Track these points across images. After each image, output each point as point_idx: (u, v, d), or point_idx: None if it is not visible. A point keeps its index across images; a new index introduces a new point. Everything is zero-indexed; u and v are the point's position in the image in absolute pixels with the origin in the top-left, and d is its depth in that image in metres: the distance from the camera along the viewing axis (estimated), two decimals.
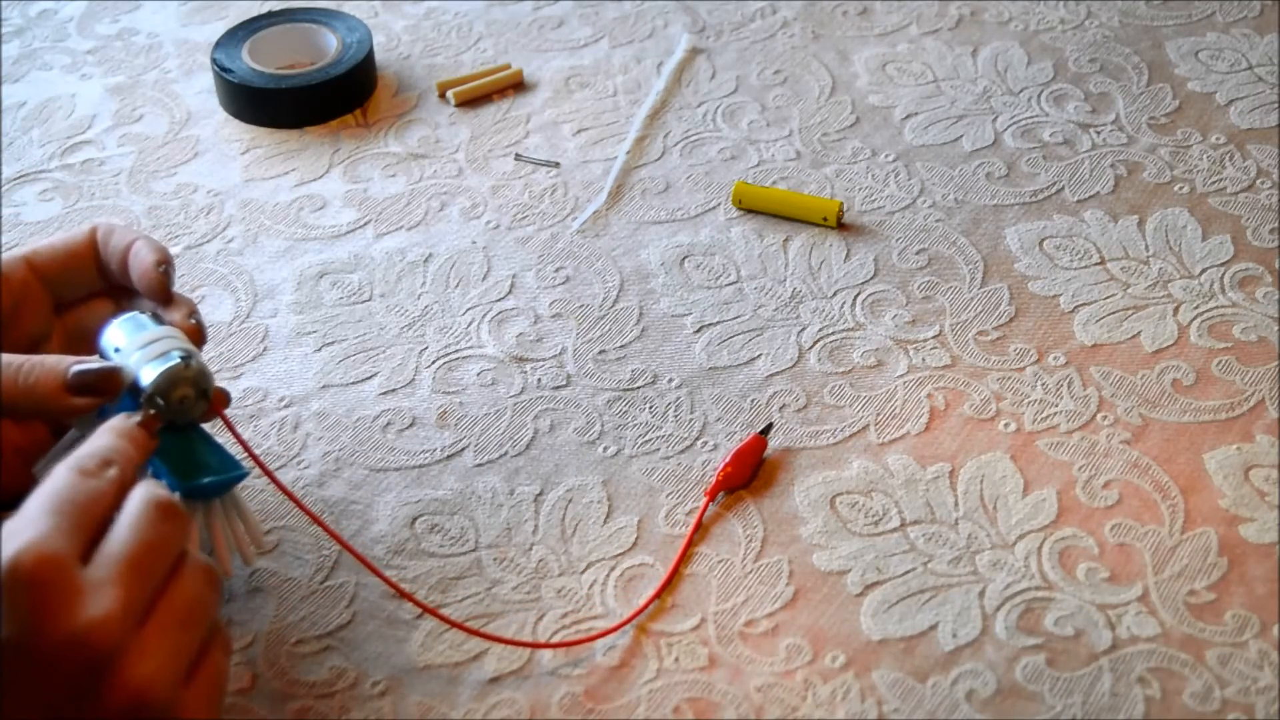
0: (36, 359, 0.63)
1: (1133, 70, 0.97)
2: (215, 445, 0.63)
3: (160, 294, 0.67)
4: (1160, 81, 0.96)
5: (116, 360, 0.63)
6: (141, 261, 0.67)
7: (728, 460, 0.72)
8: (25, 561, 0.51)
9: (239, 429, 0.65)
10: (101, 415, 0.64)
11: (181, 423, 0.62)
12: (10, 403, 0.62)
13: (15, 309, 0.67)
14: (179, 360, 0.62)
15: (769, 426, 0.74)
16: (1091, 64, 0.98)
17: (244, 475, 0.63)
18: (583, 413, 0.76)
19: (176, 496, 0.60)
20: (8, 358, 0.62)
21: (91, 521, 0.54)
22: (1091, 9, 1.03)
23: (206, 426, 0.64)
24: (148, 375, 0.61)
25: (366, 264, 0.85)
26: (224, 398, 0.64)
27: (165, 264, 0.67)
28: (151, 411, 0.61)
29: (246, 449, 0.64)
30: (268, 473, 0.65)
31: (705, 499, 0.71)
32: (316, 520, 0.65)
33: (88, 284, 0.70)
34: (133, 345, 0.63)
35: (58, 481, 0.55)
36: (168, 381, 0.61)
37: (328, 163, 0.93)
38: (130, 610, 0.53)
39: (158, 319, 0.65)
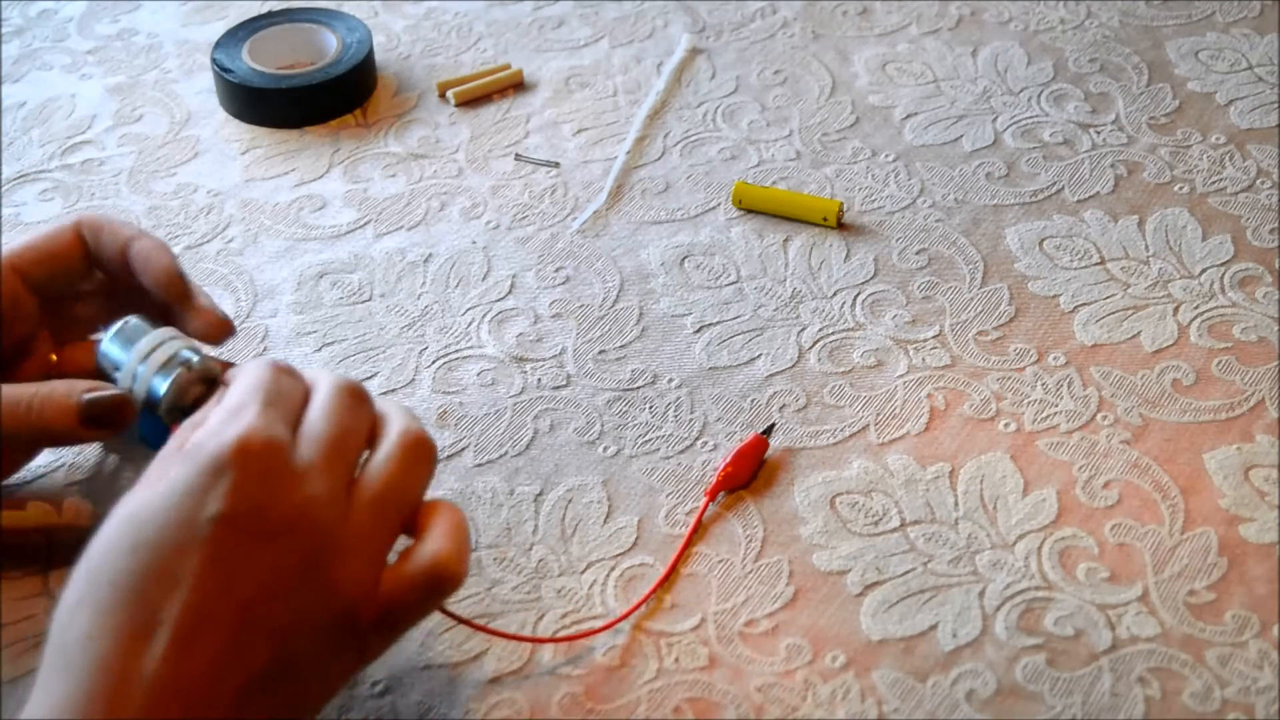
0: (46, 388, 0.62)
1: (1133, 70, 0.97)
2: None
3: (180, 298, 0.68)
4: (1160, 81, 0.96)
5: (120, 378, 0.63)
6: (154, 266, 0.67)
7: (728, 460, 0.72)
8: (253, 443, 0.54)
9: None
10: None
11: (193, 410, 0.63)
12: (23, 435, 0.62)
13: (7, 323, 0.66)
14: (182, 370, 0.62)
15: (771, 427, 0.74)
16: (1091, 64, 0.98)
17: None
18: (583, 413, 0.76)
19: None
20: (15, 389, 0.62)
21: (296, 414, 0.57)
22: (1091, 9, 1.03)
23: None
24: (158, 390, 0.62)
25: (366, 264, 0.85)
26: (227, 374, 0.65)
27: (177, 264, 0.68)
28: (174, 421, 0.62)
29: None
30: None
31: (705, 499, 0.71)
32: None
33: (75, 280, 0.69)
34: (133, 361, 0.63)
35: (264, 376, 0.58)
36: (179, 393, 0.62)
37: (328, 163, 0.93)
38: (339, 494, 0.55)
39: (145, 320, 0.64)
